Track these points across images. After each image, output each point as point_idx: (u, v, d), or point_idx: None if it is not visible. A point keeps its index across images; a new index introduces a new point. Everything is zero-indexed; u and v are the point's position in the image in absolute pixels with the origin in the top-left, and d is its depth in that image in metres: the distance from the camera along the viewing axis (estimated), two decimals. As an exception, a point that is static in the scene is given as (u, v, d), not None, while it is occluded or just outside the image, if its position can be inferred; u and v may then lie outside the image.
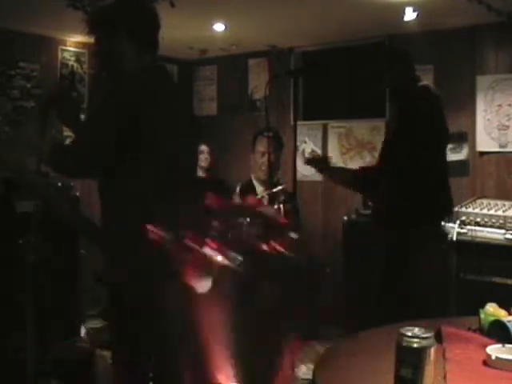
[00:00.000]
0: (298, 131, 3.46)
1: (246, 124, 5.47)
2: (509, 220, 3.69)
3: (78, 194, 4.32)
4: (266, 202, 3.42)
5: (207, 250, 0.99)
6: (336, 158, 5.19)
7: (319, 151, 5.31)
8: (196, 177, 2.63)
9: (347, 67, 5.17)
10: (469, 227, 3.77)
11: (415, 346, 1.29)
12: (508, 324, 1.69)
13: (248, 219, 1.07)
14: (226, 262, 1.00)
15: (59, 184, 4.30)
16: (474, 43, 4.51)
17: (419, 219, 3.07)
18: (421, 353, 1.29)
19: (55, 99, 2.25)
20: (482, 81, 4.49)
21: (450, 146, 4.62)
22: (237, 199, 3.71)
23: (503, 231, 3.68)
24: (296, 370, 3.35)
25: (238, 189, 4.13)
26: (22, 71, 4.70)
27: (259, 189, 4.01)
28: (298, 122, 3.63)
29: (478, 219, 3.78)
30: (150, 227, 1.15)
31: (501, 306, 1.90)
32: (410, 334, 1.30)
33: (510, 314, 1.85)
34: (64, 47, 5.01)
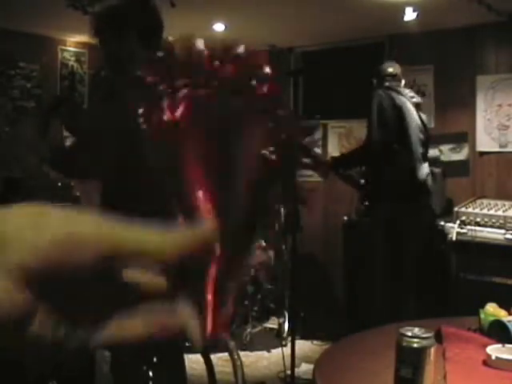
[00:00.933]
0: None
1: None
2: (509, 220, 3.69)
3: (78, 194, 4.32)
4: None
5: None
6: (336, 158, 5.19)
7: (319, 151, 5.32)
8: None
9: (347, 67, 5.17)
10: (469, 227, 3.78)
11: (415, 345, 1.29)
12: (508, 324, 1.69)
13: None
14: None
15: (59, 184, 4.30)
16: (474, 43, 4.52)
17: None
18: (421, 353, 1.29)
19: (59, 103, 2.24)
20: (482, 81, 4.49)
21: (450, 145, 4.65)
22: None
23: (503, 231, 3.68)
24: (296, 369, 3.35)
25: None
26: (21, 71, 4.70)
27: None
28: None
29: (478, 219, 3.78)
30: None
31: (501, 306, 1.89)
32: (409, 333, 1.30)
33: (510, 314, 1.85)
34: (64, 47, 5.01)
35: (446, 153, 4.65)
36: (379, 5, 3.94)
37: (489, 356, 1.54)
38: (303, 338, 4.20)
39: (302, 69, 4.92)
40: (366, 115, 3.67)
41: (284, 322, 4.23)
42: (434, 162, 4.51)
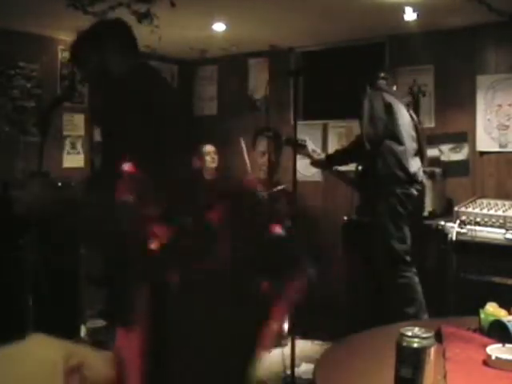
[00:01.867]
0: (298, 131, 3.47)
1: (246, 124, 5.47)
2: (509, 220, 3.69)
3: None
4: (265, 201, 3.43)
5: None
6: (336, 158, 5.19)
7: (319, 151, 5.31)
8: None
9: (347, 67, 5.16)
10: (469, 227, 3.78)
11: (415, 345, 1.29)
12: (508, 324, 1.69)
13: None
14: None
15: (59, 184, 4.30)
16: (474, 43, 4.51)
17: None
18: (421, 353, 1.29)
19: (60, 102, 2.26)
20: (482, 80, 4.49)
21: (450, 145, 4.65)
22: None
23: (503, 231, 3.68)
24: (296, 369, 3.35)
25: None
26: (21, 71, 4.69)
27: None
28: (298, 122, 3.64)
29: (478, 219, 3.78)
30: None
31: (501, 305, 1.90)
32: (410, 333, 1.30)
33: (510, 314, 1.85)
34: (64, 47, 5.01)
35: (446, 153, 4.65)
36: (379, 5, 3.94)
37: (489, 356, 1.55)
38: (303, 337, 4.20)
39: (302, 69, 4.92)
40: (358, 114, 3.74)
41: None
42: (434, 162, 4.52)
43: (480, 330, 1.82)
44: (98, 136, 4.92)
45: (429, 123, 4.66)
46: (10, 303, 3.38)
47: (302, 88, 5.35)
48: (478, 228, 3.75)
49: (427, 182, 3.96)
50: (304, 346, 4.11)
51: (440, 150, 4.65)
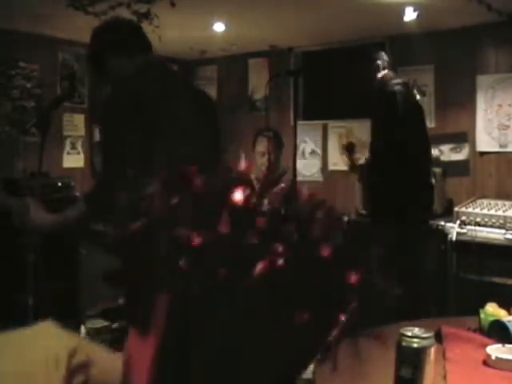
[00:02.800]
0: (298, 131, 3.46)
1: (246, 124, 5.47)
2: (509, 220, 3.69)
3: (78, 194, 4.32)
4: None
5: None
6: (336, 158, 5.20)
7: (319, 151, 5.32)
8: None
9: (347, 67, 5.16)
10: (469, 227, 3.78)
11: (415, 345, 1.29)
12: (508, 324, 1.69)
13: None
14: None
15: (59, 184, 4.31)
16: (474, 43, 4.51)
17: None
18: (421, 353, 1.29)
19: (60, 102, 2.26)
20: (483, 80, 4.49)
21: (450, 145, 4.65)
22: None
23: (503, 231, 3.68)
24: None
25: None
26: (21, 71, 4.69)
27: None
28: (298, 122, 3.63)
29: (478, 219, 3.78)
30: None
31: (501, 305, 1.89)
32: (409, 333, 1.30)
33: (510, 314, 1.85)
34: (64, 47, 5.01)
35: (446, 153, 4.65)
36: (379, 5, 3.94)
37: (489, 356, 1.54)
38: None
39: (302, 69, 4.92)
40: (377, 112, 3.37)
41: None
42: (434, 162, 4.51)
43: (480, 330, 1.82)
44: (97, 136, 4.92)
45: (429, 123, 4.65)
46: (10, 303, 3.37)
47: (302, 88, 5.35)
48: (478, 228, 3.75)
49: (427, 182, 3.96)
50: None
51: (440, 150, 4.65)
